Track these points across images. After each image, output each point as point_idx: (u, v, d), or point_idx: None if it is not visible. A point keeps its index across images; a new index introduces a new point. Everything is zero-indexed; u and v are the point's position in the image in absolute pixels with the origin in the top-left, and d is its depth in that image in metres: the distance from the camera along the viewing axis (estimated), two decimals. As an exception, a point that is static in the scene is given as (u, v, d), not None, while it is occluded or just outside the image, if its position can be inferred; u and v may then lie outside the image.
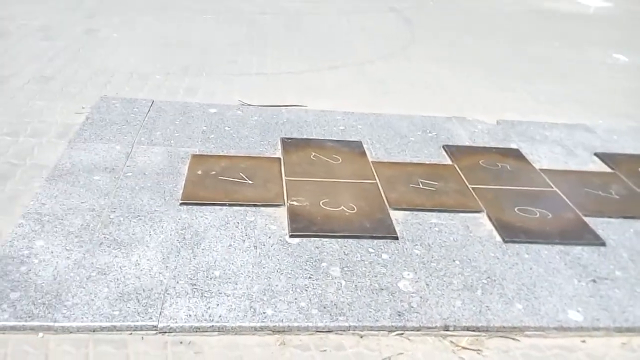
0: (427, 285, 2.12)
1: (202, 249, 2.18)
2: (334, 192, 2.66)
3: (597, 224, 2.63)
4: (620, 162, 3.29)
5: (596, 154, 3.37)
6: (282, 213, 2.47)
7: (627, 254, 2.43)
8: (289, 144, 3.12)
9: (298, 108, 3.70)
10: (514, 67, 5.19)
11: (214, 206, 2.46)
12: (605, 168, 3.23)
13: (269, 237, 2.30)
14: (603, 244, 2.47)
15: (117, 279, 1.98)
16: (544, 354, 1.89)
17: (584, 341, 1.97)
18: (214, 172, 2.72)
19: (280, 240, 2.29)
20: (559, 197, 2.83)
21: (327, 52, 5.17)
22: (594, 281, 2.23)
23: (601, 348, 1.95)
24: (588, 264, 2.34)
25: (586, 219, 2.66)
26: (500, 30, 6.52)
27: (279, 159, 2.95)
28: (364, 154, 3.10)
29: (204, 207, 2.45)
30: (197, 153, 2.93)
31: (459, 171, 3.00)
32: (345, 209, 2.53)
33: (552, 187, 2.91)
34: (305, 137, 3.24)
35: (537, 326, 1.98)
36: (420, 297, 2.05)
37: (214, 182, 2.64)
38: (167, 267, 2.06)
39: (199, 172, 2.72)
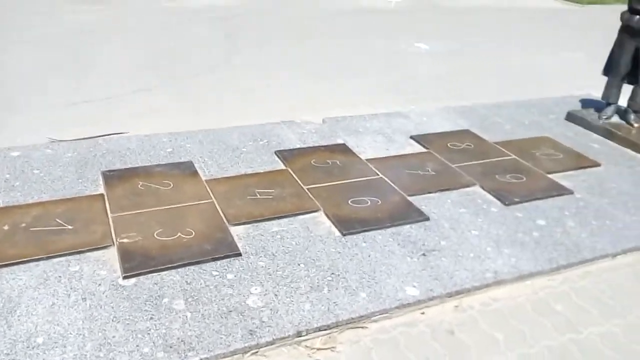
0: (276, 295, 2.12)
1: (19, 317, 1.91)
2: (169, 220, 2.52)
3: (420, 201, 2.88)
4: (432, 141, 3.64)
5: (412, 137, 3.69)
6: (112, 254, 2.27)
7: (447, 223, 2.70)
8: (111, 176, 2.89)
9: (118, 136, 3.46)
10: (334, 65, 5.47)
11: (28, 263, 2.17)
12: (421, 149, 3.55)
13: (99, 285, 2.10)
14: (427, 219, 2.71)
15: None
16: (390, 334, 2.00)
17: (423, 313, 2.13)
18: (24, 225, 2.40)
19: (113, 284, 2.11)
20: (385, 183, 3.04)
21: (144, 71, 4.92)
22: (424, 255, 2.43)
23: (438, 316, 2.13)
24: (417, 239, 2.54)
25: (410, 198, 2.89)
26: (315, 31, 6.84)
27: (102, 195, 2.71)
28: (196, 173, 3.00)
29: (15, 267, 2.15)
30: (1, 206, 2.57)
31: (293, 174, 3.06)
32: (183, 236, 2.42)
33: (378, 175, 3.12)
34: (129, 166, 3.03)
35: (381, 310, 2.09)
36: (271, 310, 2.04)
37: (25, 236, 2.33)
38: (-24, 347, 1.76)
39: (5, 228, 2.38)
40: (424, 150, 3.52)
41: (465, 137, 3.74)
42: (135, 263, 2.21)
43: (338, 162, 3.24)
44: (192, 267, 2.23)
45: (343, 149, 3.44)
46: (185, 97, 4.40)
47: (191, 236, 2.41)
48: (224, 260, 2.29)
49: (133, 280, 2.13)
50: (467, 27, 7.60)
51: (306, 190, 2.89)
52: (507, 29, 7.65)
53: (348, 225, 2.60)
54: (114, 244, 2.32)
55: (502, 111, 4.27)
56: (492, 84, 5.15)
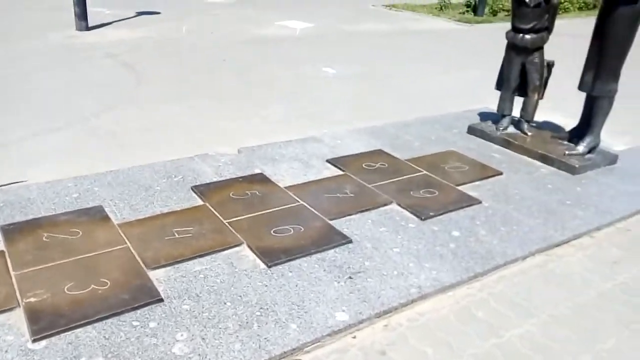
0: (203, 339, 2.03)
1: None
2: (80, 272, 2.36)
3: (342, 223, 2.92)
4: (348, 163, 3.72)
5: (328, 161, 3.75)
6: (18, 316, 2.08)
7: (370, 244, 2.75)
8: (11, 231, 2.66)
9: (17, 185, 3.20)
10: (244, 94, 5.46)
11: None
12: (337, 172, 3.61)
13: (6, 352, 1.91)
14: (350, 241, 2.75)
15: None
16: (324, 364, 1.99)
17: (354, 337, 2.14)
18: None
19: (22, 350, 1.92)
20: (306, 209, 3.05)
21: (43, 111, 4.63)
22: (350, 277, 2.46)
23: (369, 337, 2.15)
24: (342, 263, 2.56)
25: (332, 222, 2.92)
26: (222, 62, 6.81)
27: (2, 252, 2.48)
28: (107, 218, 2.84)
29: None
30: None
31: (212, 209, 2.99)
32: (97, 287, 2.26)
33: (298, 202, 3.12)
34: (31, 217, 2.81)
35: (312, 339, 2.07)
36: (199, 355, 1.95)
37: None
38: None
39: None
40: (340, 172, 3.59)
41: (378, 156, 3.86)
42: (45, 323, 2.03)
43: (257, 192, 3.22)
44: (109, 320, 2.09)
45: (261, 178, 3.42)
46: (90, 136, 4.18)
47: (106, 287, 2.27)
48: (144, 309, 2.17)
49: (44, 342, 1.96)
50: (371, 51, 7.93)
51: (227, 225, 2.83)
52: (407, 51, 8.07)
53: (272, 256, 2.57)
54: (19, 305, 2.12)
55: (410, 129, 4.47)
56: (398, 104, 5.39)
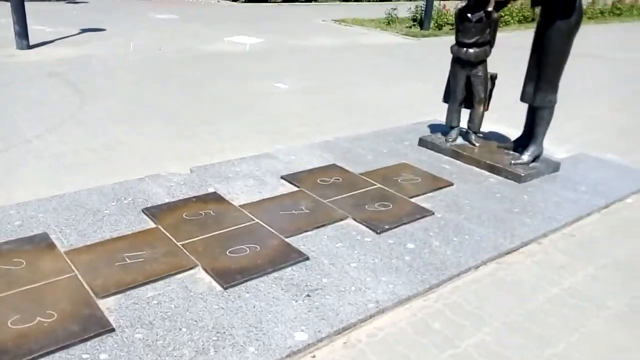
0: (158, 368, 1.97)
1: None
2: (24, 304, 2.24)
3: (298, 240, 2.91)
4: (303, 179, 3.72)
5: (282, 177, 3.74)
6: (-46, 357, 1.94)
7: (327, 260, 2.75)
8: (-54, 264, 2.50)
9: (-48, 215, 3.02)
10: (194, 111, 5.38)
11: None
12: (292, 188, 3.60)
13: (-59, 397, 1.78)
14: (307, 258, 2.74)
15: None
16: (285, 386, 1.96)
17: (314, 356, 2.13)
18: None
19: (-41, 394, 1.80)
20: (262, 227, 3.02)
21: (-20, 136, 4.40)
22: (308, 295, 2.45)
23: (328, 356, 2.13)
24: (300, 281, 2.55)
25: (288, 239, 2.90)
26: (174, 77, 6.71)
27: (-64, 288, 2.33)
28: (52, 246, 2.71)
29: None
30: None
31: (165, 231, 2.91)
32: (43, 319, 2.15)
33: (254, 220, 3.09)
34: (-31, 248, 2.65)
35: (272, 362, 2.04)
36: (154, 386, 1.88)
37: None
38: None
39: None
40: (295, 189, 3.58)
41: (332, 171, 3.89)
42: (-14, 363, 1.91)
43: (212, 212, 3.16)
44: (57, 354, 1.99)
45: (215, 197, 3.37)
46: (32, 159, 4.00)
47: (53, 319, 2.16)
48: (94, 340, 2.08)
49: (-16, 384, 1.84)
50: (322, 65, 8.01)
51: (180, 247, 2.76)
52: (357, 65, 8.20)
53: (228, 277, 2.53)
54: (-45, 345, 1.99)
55: (363, 143, 4.53)
56: (350, 117, 5.45)
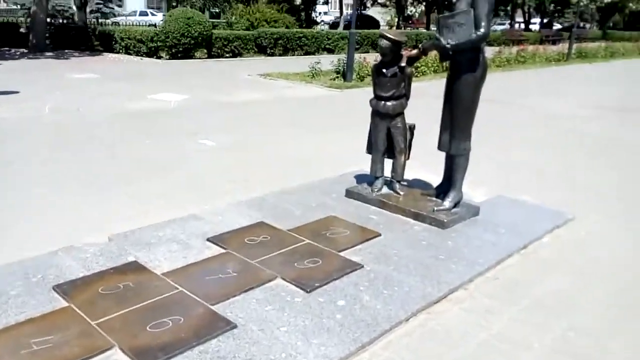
0: None
1: None
2: None
3: (226, 307, 2.78)
4: (230, 239, 3.62)
5: (208, 239, 3.62)
6: None
7: (256, 326, 2.64)
8: None
9: None
10: (115, 173, 5.16)
11: None
12: (219, 250, 3.48)
13: None
14: (235, 327, 2.61)
15: None
16: None
17: None
18: None
19: None
20: (186, 296, 2.87)
21: None
22: (237, 368, 2.32)
23: None
24: (227, 354, 2.42)
25: (215, 307, 2.77)
26: (93, 138, 6.45)
27: None
28: (-55, 338, 2.42)
29: None
30: None
31: (78, 310, 2.69)
32: None
33: (177, 288, 2.94)
34: None
35: None
36: None
37: None
38: None
39: None
40: (222, 251, 3.47)
41: (260, 229, 3.81)
42: None
43: (131, 284, 2.97)
44: None
45: (135, 267, 3.19)
46: None
47: None
48: None
49: None
50: (249, 120, 8.04)
51: (95, 327, 2.56)
52: (283, 118, 8.31)
53: (148, 356, 2.35)
54: None
55: (291, 197, 4.51)
56: (277, 171, 5.44)
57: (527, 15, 40.47)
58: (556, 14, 41.39)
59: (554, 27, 40.62)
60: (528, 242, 3.78)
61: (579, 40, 26.67)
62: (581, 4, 25.35)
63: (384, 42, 4.10)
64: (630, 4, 39.04)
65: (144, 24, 24.98)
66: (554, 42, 29.55)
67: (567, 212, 4.40)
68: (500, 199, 4.66)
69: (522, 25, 40.10)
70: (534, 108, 9.97)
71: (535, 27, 40.97)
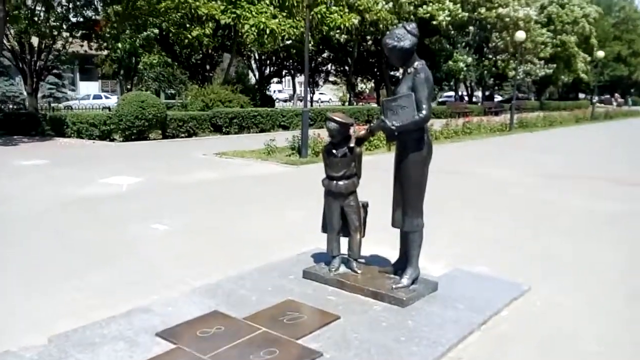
0: None
1: None
2: None
3: (175, 413, 2.57)
4: (181, 333, 3.42)
5: (158, 335, 3.41)
6: None
7: None
8: None
9: None
10: (59, 264, 4.89)
11: None
12: (169, 346, 3.27)
13: None
14: None
15: None
16: None
17: None
18: None
19: None
20: (131, 402, 2.64)
21: None
22: None
23: None
24: None
25: (163, 413, 2.55)
26: (35, 229, 6.16)
27: None
28: None
29: None
30: None
31: None
32: None
33: (122, 394, 2.70)
34: None
35: None
36: None
37: None
38: None
39: None
40: (172, 346, 3.26)
41: (214, 319, 3.64)
42: None
43: (69, 393, 2.72)
44: None
45: (75, 372, 2.94)
46: None
47: None
48: None
49: None
50: (203, 201, 7.93)
51: None
52: (239, 197, 8.25)
53: None
54: None
55: (246, 282, 4.36)
56: (233, 254, 5.30)
57: (469, 89, 43.11)
58: (496, 87, 44.27)
59: (496, 99, 43.31)
60: (487, 317, 3.75)
61: (519, 110, 28.45)
62: (517, 77, 27.23)
63: (331, 125, 4.20)
64: (563, 77, 42.25)
65: (98, 107, 24.98)
66: (496, 114, 31.41)
67: (523, 282, 4.44)
68: (457, 272, 4.67)
69: (466, 98, 42.55)
70: (483, 177, 10.33)
71: (478, 99, 43.56)
